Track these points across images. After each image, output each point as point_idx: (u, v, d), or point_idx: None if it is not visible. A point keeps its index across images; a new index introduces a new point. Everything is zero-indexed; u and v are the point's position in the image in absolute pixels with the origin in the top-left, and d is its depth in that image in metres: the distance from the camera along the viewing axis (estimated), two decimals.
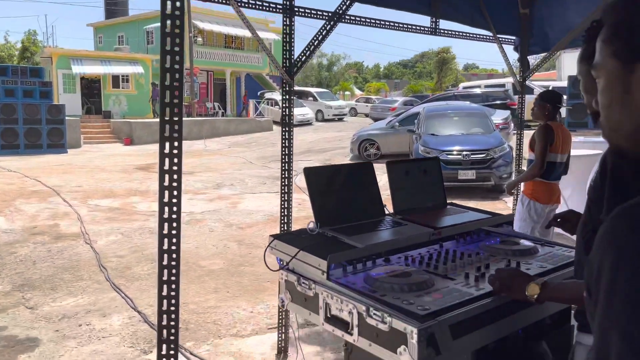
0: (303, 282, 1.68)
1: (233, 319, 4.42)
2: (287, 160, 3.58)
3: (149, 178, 12.07)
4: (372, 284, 1.58)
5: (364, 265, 1.76)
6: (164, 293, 1.72)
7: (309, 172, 1.93)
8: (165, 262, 1.70)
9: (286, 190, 3.59)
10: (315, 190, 1.92)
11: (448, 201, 2.37)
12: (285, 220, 3.59)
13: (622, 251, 0.62)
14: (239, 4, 3.19)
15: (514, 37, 5.13)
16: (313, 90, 30.37)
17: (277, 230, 7.58)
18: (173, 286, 1.72)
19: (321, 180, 1.96)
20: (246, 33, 28.86)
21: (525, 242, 1.99)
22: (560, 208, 6.48)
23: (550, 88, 18.51)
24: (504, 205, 9.10)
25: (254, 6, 3.31)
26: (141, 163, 14.78)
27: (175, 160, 1.67)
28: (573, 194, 6.94)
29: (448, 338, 1.35)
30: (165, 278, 1.71)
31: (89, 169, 13.68)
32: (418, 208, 2.19)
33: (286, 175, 3.59)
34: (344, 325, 1.52)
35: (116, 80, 26.00)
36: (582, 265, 1.38)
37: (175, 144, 1.65)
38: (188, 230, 7.44)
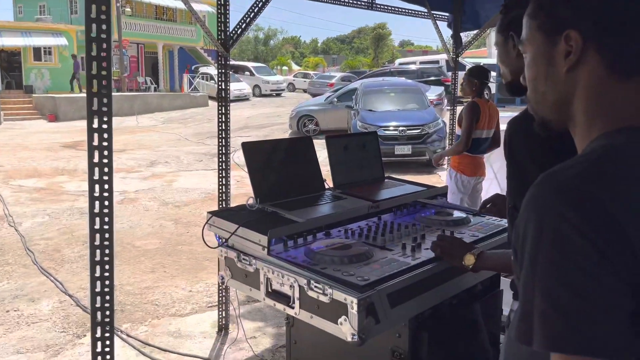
0: (243, 259, 1.67)
1: (171, 299, 4.34)
2: (224, 136, 3.51)
3: (76, 156, 11.49)
4: (313, 258, 1.59)
5: (304, 240, 1.76)
6: (97, 274, 1.65)
7: (247, 146, 1.90)
8: (97, 242, 1.63)
9: (223, 167, 3.52)
10: (254, 165, 1.89)
11: (385, 175, 2.42)
12: (224, 198, 3.54)
13: (545, 215, 0.65)
14: None
15: (447, 14, 5.24)
16: (250, 64, 29.82)
17: (215, 208, 7.47)
18: (106, 267, 1.65)
19: (260, 155, 1.93)
20: (178, 4, 27.74)
21: (458, 213, 2.07)
22: (490, 181, 6.81)
23: (466, 67, 19.12)
24: (437, 179, 9.42)
25: None
26: (68, 140, 14.03)
27: (105, 135, 1.58)
28: (502, 166, 7.27)
29: (386, 307, 1.38)
30: (97, 258, 1.64)
31: (10, 148, 12.83)
32: (357, 182, 2.22)
33: (223, 152, 3.52)
34: (285, 299, 1.53)
35: (38, 52, 24.30)
36: None
37: (105, 118, 1.57)
38: (121, 210, 7.17)
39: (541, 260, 0.64)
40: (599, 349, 0.59)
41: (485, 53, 28.19)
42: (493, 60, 20.29)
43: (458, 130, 4.55)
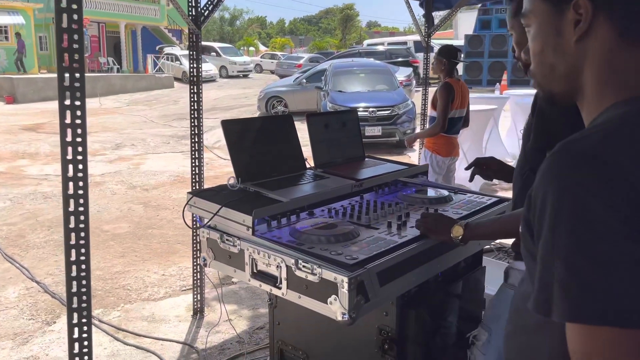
0: (227, 239, 1.62)
1: (144, 283, 4.26)
2: (196, 116, 3.42)
3: (37, 139, 11.09)
4: (299, 237, 1.56)
5: (288, 220, 1.73)
6: (72, 258, 1.58)
7: (227, 125, 1.84)
8: (72, 225, 1.55)
9: (196, 148, 3.44)
10: (234, 144, 1.84)
11: (365, 154, 2.40)
12: (197, 179, 3.46)
13: (564, 184, 0.63)
14: None
15: None
16: (216, 45, 29.22)
17: (184, 191, 7.35)
18: (82, 250, 1.58)
19: (240, 133, 1.87)
20: None
21: (440, 191, 2.07)
22: (460, 160, 6.88)
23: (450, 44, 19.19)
24: (408, 160, 9.50)
25: None
26: (28, 123, 13.50)
27: (79, 112, 1.50)
28: (472, 146, 7.39)
29: (376, 285, 1.37)
30: (73, 242, 1.57)
31: None
32: (338, 161, 2.19)
33: (196, 132, 3.43)
34: (271, 280, 1.50)
35: None
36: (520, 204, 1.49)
37: (78, 94, 1.49)
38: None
39: (562, 231, 0.62)
40: (621, 318, 0.58)
41: (452, 35, 28.43)
42: (459, 41, 20.46)
43: (431, 112, 4.55)
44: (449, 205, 1.94)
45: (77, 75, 1.47)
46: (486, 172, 1.90)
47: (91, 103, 17.83)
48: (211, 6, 3.32)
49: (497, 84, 11.83)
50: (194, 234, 3.35)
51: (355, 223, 1.71)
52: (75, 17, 1.45)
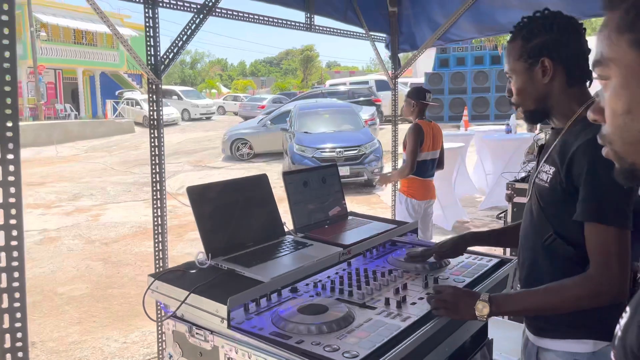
0: (197, 333, 1.35)
1: (102, 354, 3.86)
2: (157, 162, 3.14)
3: None
4: (284, 327, 1.31)
5: (268, 300, 1.48)
6: (5, 325, 1.28)
7: (194, 192, 1.59)
8: (4, 285, 1.27)
9: (158, 197, 3.15)
10: (202, 213, 1.59)
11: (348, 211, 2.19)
12: (160, 231, 3.16)
13: None
14: None
15: (384, 35, 5.17)
16: (177, 88, 28.99)
17: (147, 244, 6.95)
18: (18, 315, 1.28)
19: (209, 200, 1.63)
20: (99, 28, 26.60)
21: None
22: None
23: (408, 85, 19.66)
24: (377, 199, 9.37)
25: None
26: None
27: (12, 168, 1.24)
28: (441, 184, 7.30)
29: None
30: (5, 305, 1.27)
31: None
32: (320, 222, 1.97)
33: (157, 179, 3.15)
34: None
35: None
36: (536, 268, 1.30)
37: (10, 145, 1.23)
38: (41, 252, 6.50)
39: None
40: None
41: (411, 72, 29.11)
42: (419, 79, 20.89)
43: (404, 154, 4.45)
44: (446, 270, 1.73)
45: (10, 123, 1.22)
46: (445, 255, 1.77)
47: (47, 151, 17.19)
48: (171, 54, 3.12)
49: (461, 121, 12.00)
50: (159, 325, 3.00)
51: (346, 301, 1.48)
52: (6, 54, 1.20)
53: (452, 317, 1.39)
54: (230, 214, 1.67)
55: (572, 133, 1.34)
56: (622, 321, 0.59)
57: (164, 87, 29.77)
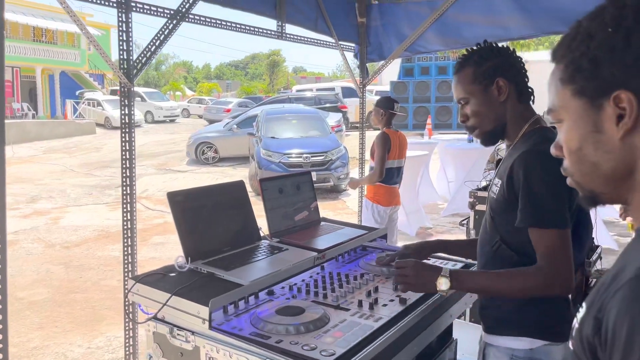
0: (178, 334, 1.40)
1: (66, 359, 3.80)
2: (128, 165, 3.14)
3: None
4: (263, 328, 1.37)
5: (246, 303, 1.54)
6: None
7: (173, 197, 1.64)
8: None
9: (129, 200, 3.14)
10: (181, 218, 1.63)
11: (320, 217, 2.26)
12: (129, 235, 3.15)
13: None
14: None
15: (353, 44, 5.29)
16: (141, 90, 28.48)
17: (111, 248, 6.86)
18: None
19: (189, 205, 1.67)
20: (59, 25, 25.90)
21: None
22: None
23: (374, 93, 19.90)
24: (343, 205, 9.49)
25: None
26: None
27: None
28: (405, 191, 7.48)
29: None
30: None
31: None
32: (294, 227, 2.03)
33: (128, 183, 3.14)
34: None
35: None
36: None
37: None
38: None
39: None
40: None
41: (377, 81, 29.56)
42: (384, 87, 21.22)
43: (371, 162, 4.58)
44: None
45: None
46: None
47: None
48: (144, 59, 3.13)
49: (425, 129, 12.28)
50: (127, 329, 2.97)
51: (322, 303, 1.55)
52: None
53: (414, 290, 1.50)
54: (209, 219, 1.72)
55: (516, 148, 1.49)
56: (579, 315, 0.69)
57: None
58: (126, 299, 1.54)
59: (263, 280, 1.52)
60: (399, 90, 16.61)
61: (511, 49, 1.56)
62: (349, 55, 5.38)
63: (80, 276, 5.69)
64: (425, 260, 1.70)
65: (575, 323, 0.70)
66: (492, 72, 1.50)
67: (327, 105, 17.82)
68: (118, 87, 3.19)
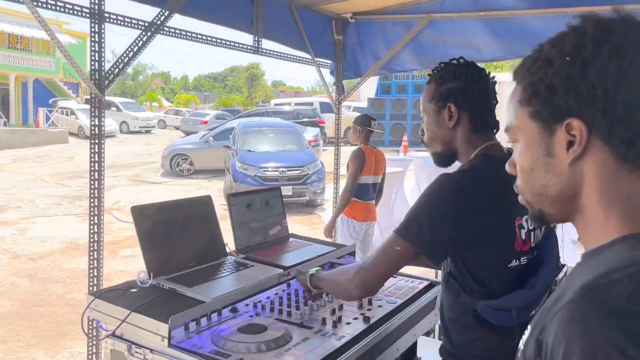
0: (136, 352, 1.37)
1: None
2: (97, 176, 3.09)
3: None
4: (224, 346, 1.35)
5: (208, 320, 1.51)
6: None
7: (138, 211, 1.61)
8: None
9: (96, 212, 3.08)
10: (145, 233, 1.61)
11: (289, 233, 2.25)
12: (95, 247, 3.09)
13: (598, 344, 0.54)
14: (36, 4, 2.66)
15: (330, 61, 5.34)
16: (117, 100, 28.16)
17: (78, 261, 6.70)
18: None
19: (152, 220, 1.65)
20: (35, 33, 25.48)
21: None
22: (393, 226, 6.93)
23: (352, 109, 20.07)
24: (318, 220, 9.47)
25: (54, 7, 2.79)
26: None
27: None
28: (380, 207, 7.52)
29: None
30: None
31: None
32: (261, 243, 2.02)
33: (96, 195, 3.09)
34: None
35: None
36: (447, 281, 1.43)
37: None
38: None
39: None
40: None
41: (354, 97, 29.82)
42: (362, 103, 21.43)
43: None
44: (381, 292, 1.83)
45: None
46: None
47: None
48: (117, 70, 3.10)
49: (400, 146, 12.43)
50: (90, 345, 2.87)
51: (285, 321, 1.54)
52: None
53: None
54: (173, 234, 1.70)
55: None
56: (524, 337, 0.71)
57: None
58: (84, 316, 1.50)
59: (226, 297, 1.51)
60: (377, 107, 16.79)
61: (481, 74, 1.47)
62: (325, 72, 5.43)
63: (46, 289, 5.54)
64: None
65: (521, 344, 0.71)
66: (446, 96, 1.45)
67: (305, 119, 17.89)
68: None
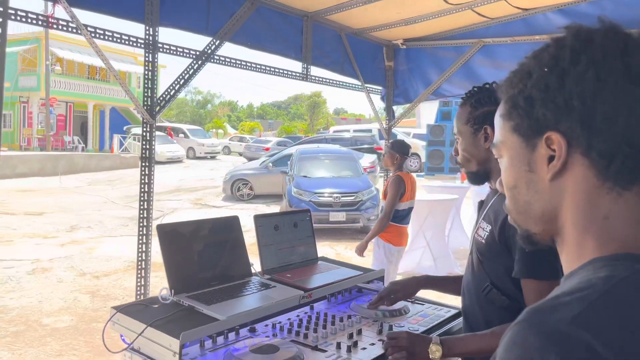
0: None
1: None
2: (146, 198, 3.24)
3: None
4: None
5: (225, 338, 1.53)
6: None
7: (163, 230, 1.68)
8: None
9: (144, 232, 3.22)
10: (170, 251, 1.66)
11: (319, 245, 2.25)
12: (143, 266, 3.22)
13: None
14: (94, 35, 2.87)
15: (380, 87, 5.36)
16: (185, 127, 29.50)
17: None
18: None
19: (178, 239, 1.71)
20: (113, 65, 27.32)
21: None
22: (423, 250, 6.79)
23: (411, 135, 19.88)
24: (370, 246, 9.37)
25: (111, 38, 3.00)
26: None
27: None
28: (434, 235, 7.36)
29: None
30: None
31: None
32: (288, 265, 2.03)
33: (145, 215, 3.23)
34: None
35: None
36: (475, 316, 1.38)
37: None
38: (31, 282, 6.52)
39: None
40: None
41: (415, 123, 29.60)
42: (421, 130, 21.23)
43: (383, 203, 4.60)
44: (404, 319, 1.78)
45: None
46: (398, 298, 1.84)
47: (51, 182, 17.38)
48: (168, 97, 3.27)
49: (458, 172, 12.14)
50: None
51: (300, 343, 1.53)
52: None
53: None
54: (198, 253, 1.75)
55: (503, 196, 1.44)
56: None
57: (173, 124, 30.26)
58: (105, 328, 1.56)
59: (241, 316, 1.52)
60: (436, 133, 16.57)
61: None
62: (376, 98, 5.45)
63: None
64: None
65: None
66: (483, 119, 1.51)
67: (364, 146, 17.92)
68: (163, 124, 3.32)
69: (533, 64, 0.69)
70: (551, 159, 0.66)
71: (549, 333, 0.53)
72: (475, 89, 1.56)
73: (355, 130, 22.12)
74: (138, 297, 3.15)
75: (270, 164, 14.37)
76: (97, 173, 20.30)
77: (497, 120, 0.76)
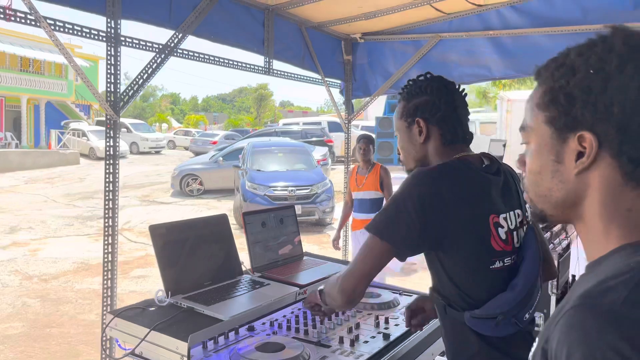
0: None
1: None
2: (111, 197, 3.12)
3: None
4: None
5: (226, 338, 1.52)
6: None
7: (156, 230, 1.63)
8: None
9: (110, 232, 3.10)
10: (162, 252, 1.62)
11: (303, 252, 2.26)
12: (110, 267, 3.10)
13: (596, 349, 0.56)
14: (54, 28, 2.72)
15: (339, 81, 5.39)
16: (127, 121, 28.48)
17: (90, 281, 6.71)
18: None
19: (170, 239, 1.67)
20: (47, 56, 25.97)
21: (386, 294, 1.95)
22: None
23: (359, 128, 20.13)
24: (328, 239, 9.44)
25: (71, 31, 2.86)
26: None
27: None
28: None
29: None
30: None
31: None
32: (276, 261, 2.03)
33: (110, 215, 3.11)
34: None
35: None
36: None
37: None
38: None
39: None
40: None
41: (362, 116, 29.96)
42: (370, 122, 21.51)
43: (376, 193, 4.87)
44: (397, 310, 1.82)
45: None
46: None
47: None
48: (131, 92, 3.15)
49: None
50: None
51: (302, 339, 1.54)
52: None
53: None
54: (191, 253, 1.71)
55: None
56: (532, 349, 0.71)
57: None
58: (104, 334, 1.51)
59: (243, 315, 1.51)
60: (384, 125, 16.85)
61: (447, 87, 1.44)
62: (335, 92, 5.48)
63: (57, 310, 5.54)
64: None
65: (530, 356, 0.72)
66: (414, 112, 1.42)
67: (314, 139, 17.96)
68: (104, 118, 3.20)
69: (579, 61, 0.71)
70: (580, 154, 0.70)
71: (605, 314, 0.58)
72: (410, 81, 1.48)
73: (305, 123, 22.13)
74: (105, 300, 3.03)
75: (221, 158, 14.15)
76: (34, 171, 19.28)
77: (531, 107, 0.78)
